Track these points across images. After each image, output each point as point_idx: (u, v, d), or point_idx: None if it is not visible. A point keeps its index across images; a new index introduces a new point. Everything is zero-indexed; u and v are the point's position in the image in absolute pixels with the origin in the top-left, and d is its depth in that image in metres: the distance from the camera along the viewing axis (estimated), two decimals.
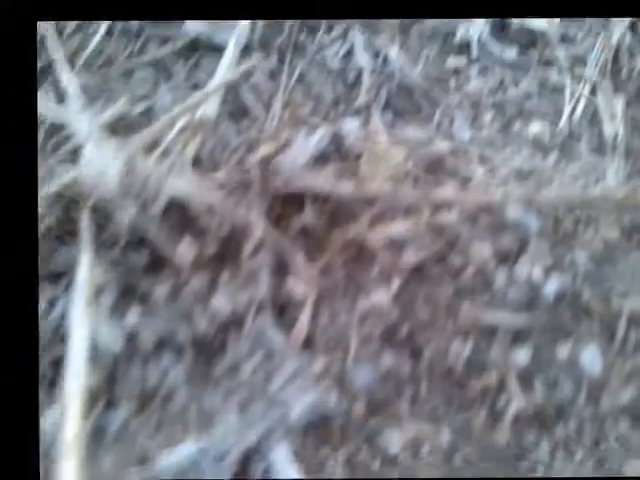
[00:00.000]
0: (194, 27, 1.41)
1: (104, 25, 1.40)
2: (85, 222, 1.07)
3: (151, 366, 1.03)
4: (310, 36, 1.44)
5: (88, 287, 0.99)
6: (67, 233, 1.10)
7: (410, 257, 1.15)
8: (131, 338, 1.03)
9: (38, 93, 1.12)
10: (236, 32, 1.38)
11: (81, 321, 0.97)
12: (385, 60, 1.41)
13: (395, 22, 1.45)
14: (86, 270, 1.01)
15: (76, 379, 0.92)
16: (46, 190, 1.08)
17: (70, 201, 1.11)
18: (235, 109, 1.32)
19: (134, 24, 1.40)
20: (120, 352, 1.03)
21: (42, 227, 1.08)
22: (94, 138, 1.10)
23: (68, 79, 1.25)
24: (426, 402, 1.08)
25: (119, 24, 1.38)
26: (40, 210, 1.02)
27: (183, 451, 0.93)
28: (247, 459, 0.97)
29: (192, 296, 1.09)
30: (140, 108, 1.28)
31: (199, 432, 0.98)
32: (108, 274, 1.04)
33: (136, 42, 1.41)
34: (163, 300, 1.07)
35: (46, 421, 0.89)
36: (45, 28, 1.31)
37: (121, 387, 1.02)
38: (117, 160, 1.02)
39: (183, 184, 1.10)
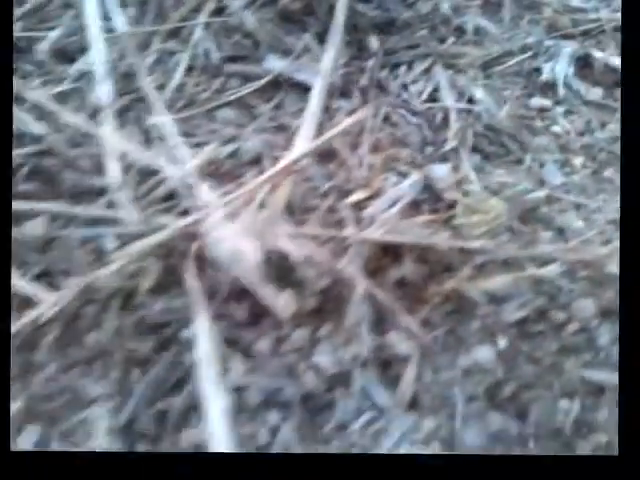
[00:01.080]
0: (275, 64, 1.39)
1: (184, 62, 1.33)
2: (192, 272, 1.04)
3: (259, 423, 0.99)
4: (392, 74, 1.41)
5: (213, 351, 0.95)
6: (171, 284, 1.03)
7: (512, 312, 1.10)
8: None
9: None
10: (319, 71, 1.36)
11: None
12: (470, 100, 1.38)
13: (476, 59, 1.41)
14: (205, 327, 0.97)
15: None
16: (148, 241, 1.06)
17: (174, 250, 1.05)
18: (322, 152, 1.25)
19: (215, 60, 1.36)
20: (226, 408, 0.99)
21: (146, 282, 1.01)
22: (189, 183, 1.06)
23: (159, 119, 1.24)
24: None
25: (200, 60, 1.30)
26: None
27: None
28: None
29: (295, 351, 1.07)
30: (228, 150, 1.20)
31: None
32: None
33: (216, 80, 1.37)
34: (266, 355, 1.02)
35: None
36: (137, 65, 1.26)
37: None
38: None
39: (278, 234, 1.04)
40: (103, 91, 1.29)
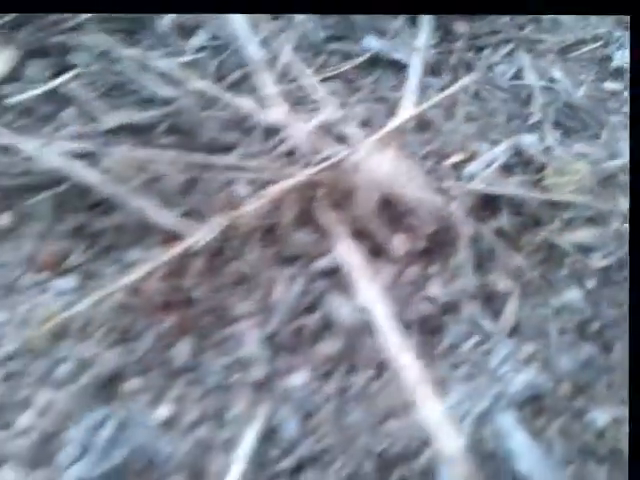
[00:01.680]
0: (373, 44, 1.51)
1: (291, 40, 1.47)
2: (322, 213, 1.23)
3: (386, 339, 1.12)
4: (477, 56, 1.53)
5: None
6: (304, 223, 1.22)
7: (597, 261, 1.24)
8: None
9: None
10: (412, 50, 1.51)
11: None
12: (550, 80, 1.50)
13: (553, 45, 1.55)
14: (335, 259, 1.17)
15: None
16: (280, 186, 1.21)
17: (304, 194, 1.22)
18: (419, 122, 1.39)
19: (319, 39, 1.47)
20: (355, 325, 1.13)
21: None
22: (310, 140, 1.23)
23: (269, 86, 1.39)
24: (621, 389, 1.14)
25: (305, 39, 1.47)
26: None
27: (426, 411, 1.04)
28: (479, 423, 1.07)
29: (409, 284, 1.19)
30: (337, 115, 1.36)
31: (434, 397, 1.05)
32: None
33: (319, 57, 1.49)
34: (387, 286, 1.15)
35: None
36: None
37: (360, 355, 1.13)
38: None
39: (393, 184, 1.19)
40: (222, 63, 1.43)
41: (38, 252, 1.23)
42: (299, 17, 1.53)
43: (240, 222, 1.20)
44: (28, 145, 1.25)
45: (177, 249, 1.17)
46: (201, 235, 1.19)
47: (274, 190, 1.21)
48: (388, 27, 1.54)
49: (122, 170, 1.25)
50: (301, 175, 1.22)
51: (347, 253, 1.19)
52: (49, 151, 1.25)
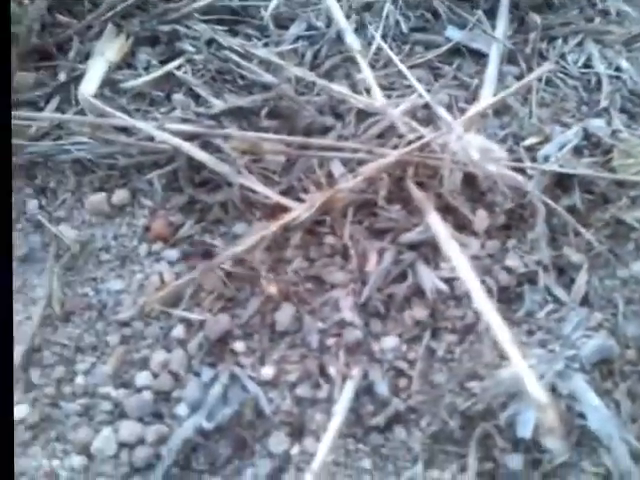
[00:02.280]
0: (454, 34, 1.65)
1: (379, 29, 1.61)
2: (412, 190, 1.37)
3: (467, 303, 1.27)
4: (549, 46, 1.66)
5: None
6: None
7: None
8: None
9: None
10: (491, 41, 1.65)
11: None
12: (617, 69, 1.62)
13: (619, 36, 1.67)
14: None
15: None
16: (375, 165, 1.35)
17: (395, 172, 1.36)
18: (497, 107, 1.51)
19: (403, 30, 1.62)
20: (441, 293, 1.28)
21: None
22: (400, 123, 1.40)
23: (362, 73, 1.52)
24: None
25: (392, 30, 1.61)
26: None
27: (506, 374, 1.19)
28: (554, 385, 1.20)
29: (489, 256, 1.33)
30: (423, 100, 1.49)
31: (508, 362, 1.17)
32: None
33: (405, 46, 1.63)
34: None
35: None
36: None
37: (445, 320, 1.29)
38: None
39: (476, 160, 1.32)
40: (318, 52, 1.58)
41: (152, 225, 1.38)
42: (388, 8, 1.64)
43: (336, 198, 1.33)
44: (142, 127, 1.39)
45: (279, 223, 1.30)
46: (301, 210, 1.31)
47: (368, 169, 1.34)
48: (467, 19, 1.63)
49: (229, 150, 1.39)
50: (392, 155, 1.34)
51: (434, 227, 1.30)
52: (162, 132, 1.38)
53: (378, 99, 1.45)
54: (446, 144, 1.33)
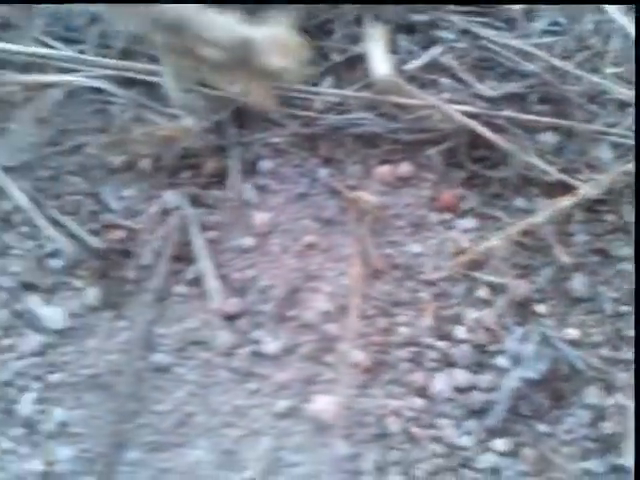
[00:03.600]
0: None
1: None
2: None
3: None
4: None
5: None
6: None
7: None
8: None
9: None
10: None
11: None
12: None
13: None
14: None
15: None
16: None
17: None
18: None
19: None
20: None
21: None
22: None
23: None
24: None
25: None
26: None
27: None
28: None
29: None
30: None
31: None
32: None
33: None
34: None
35: None
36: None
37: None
38: None
39: None
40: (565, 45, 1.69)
41: (437, 196, 1.52)
42: None
43: (615, 180, 1.46)
44: (444, 107, 1.54)
45: (572, 199, 1.45)
46: (587, 189, 1.45)
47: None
48: None
49: (510, 129, 1.52)
50: None
51: None
52: (440, 111, 1.52)
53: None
54: None
